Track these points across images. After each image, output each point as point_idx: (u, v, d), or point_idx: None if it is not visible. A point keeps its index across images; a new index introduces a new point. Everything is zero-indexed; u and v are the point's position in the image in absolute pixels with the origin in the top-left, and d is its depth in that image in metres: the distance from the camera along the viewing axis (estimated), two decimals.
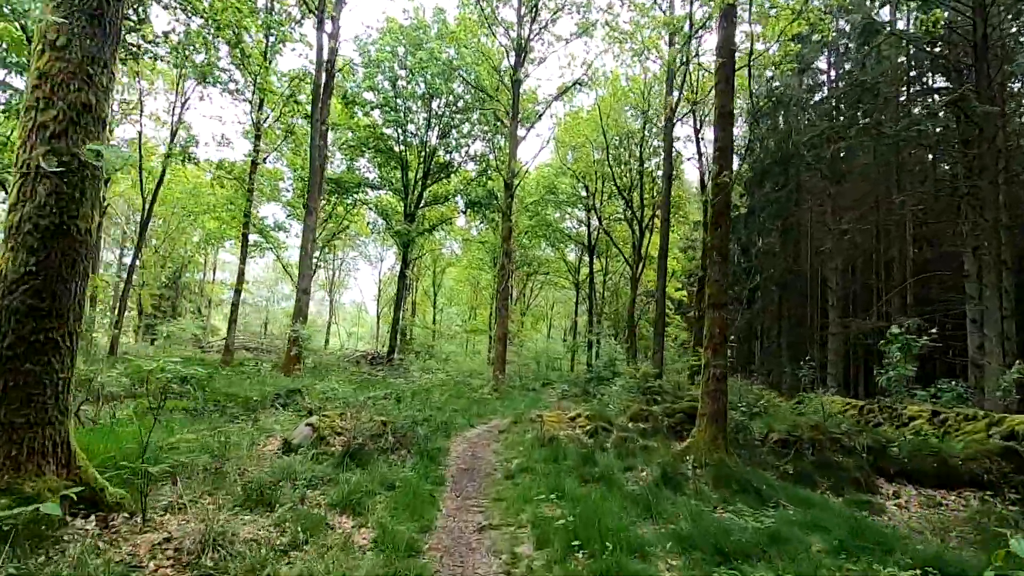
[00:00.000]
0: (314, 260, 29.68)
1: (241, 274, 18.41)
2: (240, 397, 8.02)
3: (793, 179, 23.13)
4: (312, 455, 5.69)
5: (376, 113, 24.73)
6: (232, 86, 16.82)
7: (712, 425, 6.96)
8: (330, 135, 27.88)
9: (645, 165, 23.53)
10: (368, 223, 28.24)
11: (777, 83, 22.96)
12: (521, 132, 19.34)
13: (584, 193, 31.99)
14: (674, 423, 8.56)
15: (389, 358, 23.54)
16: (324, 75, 15.80)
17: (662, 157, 19.38)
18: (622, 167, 24.46)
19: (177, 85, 19.62)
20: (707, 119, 18.25)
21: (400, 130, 24.51)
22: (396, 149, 24.74)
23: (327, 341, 40.28)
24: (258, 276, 51.48)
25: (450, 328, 51.10)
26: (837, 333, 19.24)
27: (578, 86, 20.48)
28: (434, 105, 24.47)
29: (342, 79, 23.69)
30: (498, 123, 22.94)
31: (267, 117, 19.24)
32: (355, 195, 24.37)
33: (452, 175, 25.85)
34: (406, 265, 24.78)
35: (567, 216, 36.20)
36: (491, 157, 26.24)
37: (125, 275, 19.78)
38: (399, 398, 8.83)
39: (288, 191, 26.83)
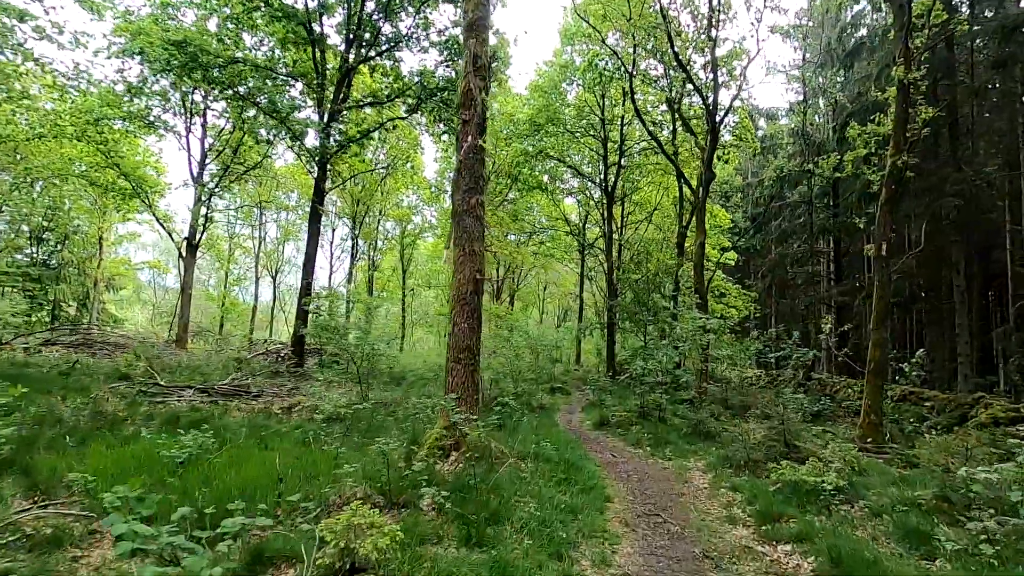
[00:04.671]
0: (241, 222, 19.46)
1: None
2: None
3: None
4: None
5: None
6: None
7: None
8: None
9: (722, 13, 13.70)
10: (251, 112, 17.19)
11: None
12: None
13: (600, 112, 22.37)
14: None
15: (294, 358, 13.80)
16: None
17: None
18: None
19: None
20: None
21: None
22: (303, 10, 14.65)
23: (252, 330, 30.12)
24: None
25: (426, 315, 41.78)
26: None
27: None
28: None
29: None
30: None
31: None
32: (231, 86, 14.22)
33: (396, 53, 15.72)
34: (320, 198, 14.70)
35: (568, 158, 26.37)
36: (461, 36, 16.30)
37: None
38: None
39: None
